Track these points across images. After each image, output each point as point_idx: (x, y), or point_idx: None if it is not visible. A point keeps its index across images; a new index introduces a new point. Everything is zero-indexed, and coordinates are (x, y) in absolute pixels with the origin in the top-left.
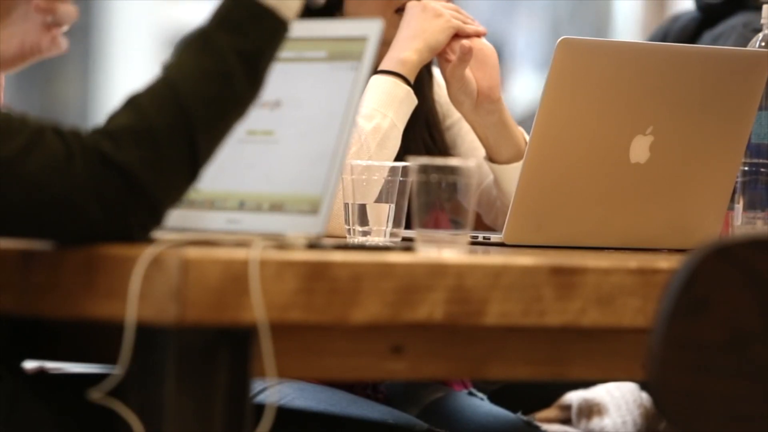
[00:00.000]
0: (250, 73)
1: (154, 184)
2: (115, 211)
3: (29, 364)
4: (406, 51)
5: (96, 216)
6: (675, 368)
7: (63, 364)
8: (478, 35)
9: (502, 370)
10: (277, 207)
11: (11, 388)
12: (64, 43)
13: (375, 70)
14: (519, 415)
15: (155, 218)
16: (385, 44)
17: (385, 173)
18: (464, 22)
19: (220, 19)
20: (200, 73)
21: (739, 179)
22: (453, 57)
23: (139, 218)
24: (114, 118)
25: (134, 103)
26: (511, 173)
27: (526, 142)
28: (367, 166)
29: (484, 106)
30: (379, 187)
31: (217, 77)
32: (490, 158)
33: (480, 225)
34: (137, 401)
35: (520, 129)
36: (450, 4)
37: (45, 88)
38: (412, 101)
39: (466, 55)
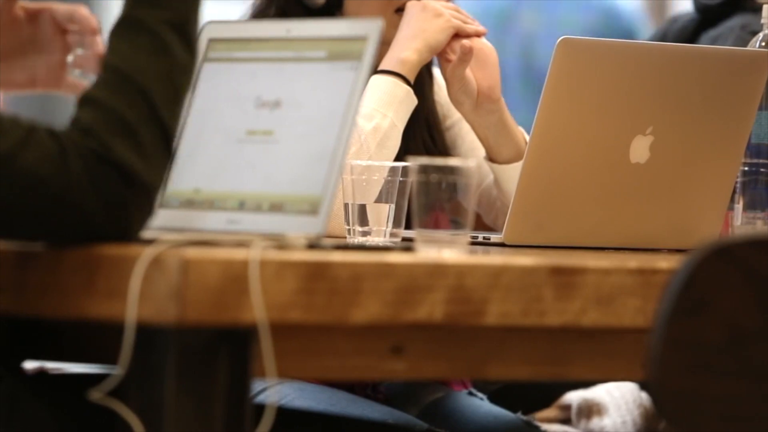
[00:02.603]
0: (184, 40)
1: (144, 170)
2: (114, 203)
3: (29, 365)
4: (406, 51)
5: (95, 210)
6: (674, 368)
7: (63, 365)
8: (478, 35)
9: (502, 370)
10: (277, 207)
11: (11, 388)
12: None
13: (375, 70)
14: (519, 415)
15: (151, 204)
16: (385, 44)
17: (385, 173)
18: (464, 22)
19: None
20: (140, 52)
21: (739, 179)
22: (453, 57)
23: (138, 206)
24: (81, 117)
25: (90, 100)
26: (511, 173)
27: (526, 142)
28: (367, 166)
29: (484, 106)
30: (379, 187)
31: (157, 51)
32: (490, 158)
33: (480, 225)
34: (137, 401)
35: (521, 129)
36: (450, 4)
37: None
38: (412, 101)
39: (467, 55)
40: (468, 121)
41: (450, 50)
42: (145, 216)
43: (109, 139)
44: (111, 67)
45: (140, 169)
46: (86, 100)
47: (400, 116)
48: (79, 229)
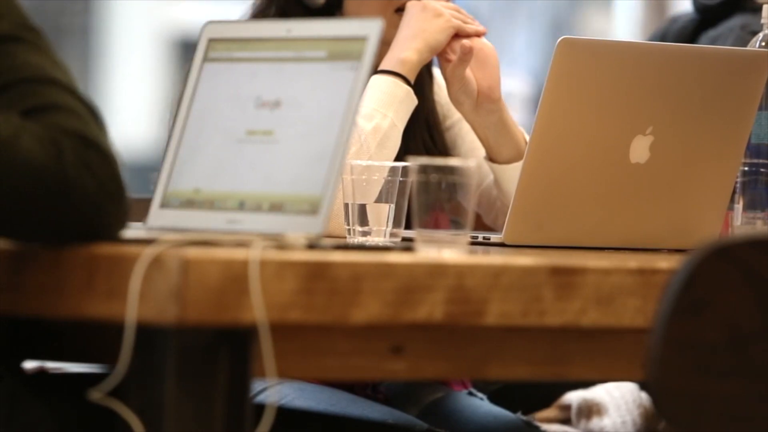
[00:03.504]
0: (34, 32)
1: (106, 144)
2: (108, 181)
3: (29, 364)
4: (406, 51)
5: (95, 192)
6: (674, 368)
7: (63, 364)
8: (478, 35)
9: (502, 370)
10: (276, 207)
11: (11, 387)
12: None
13: (375, 70)
14: (519, 415)
15: (121, 173)
16: (385, 44)
17: (385, 173)
18: (464, 22)
19: None
20: (22, 56)
21: (739, 179)
22: (453, 57)
23: (122, 178)
24: (44, 122)
25: (31, 110)
26: (512, 173)
27: (526, 142)
28: (367, 166)
29: (484, 106)
30: (379, 187)
31: (32, 49)
32: (491, 158)
33: (480, 225)
34: (137, 401)
35: (521, 129)
36: (450, 4)
37: None
38: (412, 101)
39: (467, 54)
40: (468, 121)
41: (450, 50)
42: (126, 187)
43: (77, 126)
44: (13, 82)
45: (106, 145)
46: (25, 113)
47: (400, 116)
48: (82, 216)
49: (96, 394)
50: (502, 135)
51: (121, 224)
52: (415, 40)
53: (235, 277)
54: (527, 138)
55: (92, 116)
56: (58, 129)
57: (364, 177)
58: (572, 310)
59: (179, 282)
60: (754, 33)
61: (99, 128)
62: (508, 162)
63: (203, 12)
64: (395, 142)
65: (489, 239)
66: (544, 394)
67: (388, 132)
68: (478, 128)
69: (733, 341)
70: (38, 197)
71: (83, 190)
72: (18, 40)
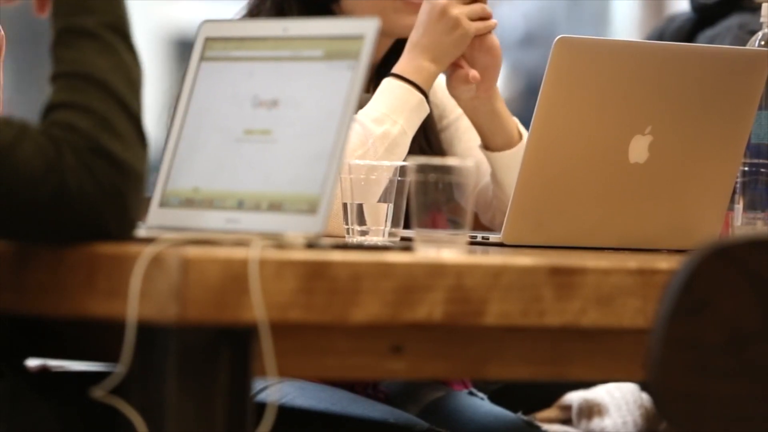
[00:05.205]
0: (123, 39)
1: (131, 158)
2: (113, 192)
3: (32, 362)
4: (425, 60)
5: (96, 201)
6: (675, 369)
7: (65, 362)
8: (490, 28)
9: (502, 370)
10: (275, 206)
11: (13, 386)
12: None
13: (376, 68)
14: (519, 415)
15: (143, 192)
16: (385, 35)
17: (384, 173)
18: (481, 18)
19: (66, 11)
20: (88, 53)
21: (739, 179)
22: (464, 64)
23: (134, 194)
24: (59, 119)
25: (59, 104)
26: (505, 161)
27: (519, 132)
28: (366, 166)
29: (480, 98)
30: (379, 188)
31: (103, 51)
32: (485, 146)
33: (477, 225)
34: (139, 399)
35: (514, 119)
36: (475, 6)
37: (44, 88)
38: (425, 110)
39: (474, 79)
40: (463, 109)
41: (462, 59)
42: (140, 204)
43: (93, 132)
44: (65, 74)
45: (127, 158)
46: (54, 106)
47: (411, 124)
48: (81, 222)
49: (98, 392)
50: (495, 124)
51: (122, 232)
52: (434, 51)
53: (235, 276)
54: (520, 127)
55: (131, 129)
56: (68, 128)
57: (362, 177)
58: (572, 310)
59: (179, 281)
60: (752, 32)
61: (129, 141)
62: (501, 149)
63: (202, 12)
64: (403, 150)
65: (488, 239)
66: (545, 394)
67: (397, 139)
68: (473, 116)
69: (733, 341)
70: (36, 203)
71: (81, 192)
72: (95, 37)
